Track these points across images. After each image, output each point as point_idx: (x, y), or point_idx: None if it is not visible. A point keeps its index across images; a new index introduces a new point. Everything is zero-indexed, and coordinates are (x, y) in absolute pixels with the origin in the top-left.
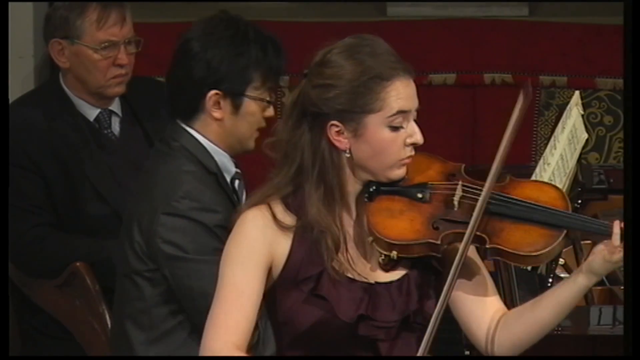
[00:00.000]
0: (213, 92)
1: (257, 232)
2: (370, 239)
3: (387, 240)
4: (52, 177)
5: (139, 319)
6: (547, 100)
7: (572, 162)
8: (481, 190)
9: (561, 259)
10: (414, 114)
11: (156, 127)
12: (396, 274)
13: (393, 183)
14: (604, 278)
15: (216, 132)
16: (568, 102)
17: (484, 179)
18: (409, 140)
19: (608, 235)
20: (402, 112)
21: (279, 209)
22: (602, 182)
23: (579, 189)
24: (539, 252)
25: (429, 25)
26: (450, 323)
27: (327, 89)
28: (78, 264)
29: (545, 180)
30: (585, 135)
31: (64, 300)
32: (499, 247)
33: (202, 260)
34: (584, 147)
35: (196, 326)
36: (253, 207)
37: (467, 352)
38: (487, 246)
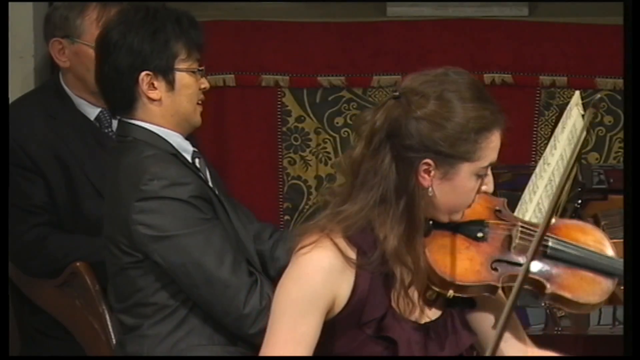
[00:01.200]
0: (144, 73)
1: (323, 277)
2: (435, 277)
3: (447, 279)
4: (52, 177)
5: (140, 310)
6: (547, 100)
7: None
8: (536, 231)
9: None
10: None
11: None
12: (434, 314)
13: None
14: None
15: (160, 116)
16: (568, 102)
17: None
18: (483, 188)
19: None
20: (492, 164)
21: (342, 243)
22: (602, 182)
23: (579, 189)
24: (597, 301)
25: (429, 25)
26: None
27: (434, 127)
28: (78, 264)
29: (545, 180)
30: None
31: (64, 300)
32: (557, 293)
33: (186, 234)
34: (584, 147)
35: (196, 301)
36: (318, 245)
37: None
38: (547, 292)
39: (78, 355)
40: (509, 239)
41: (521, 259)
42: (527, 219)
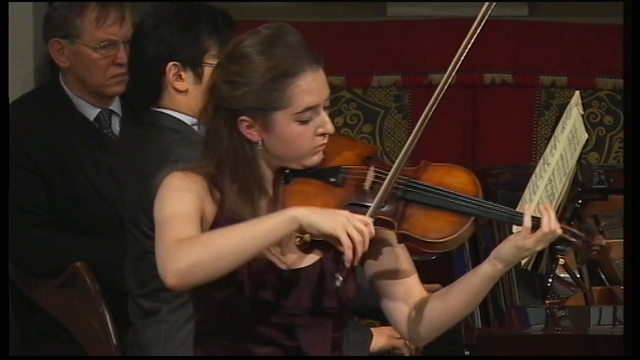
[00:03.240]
0: (171, 63)
1: (190, 181)
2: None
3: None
4: (52, 177)
5: (160, 295)
6: (547, 100)
7: (572, 162)
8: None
9: (561, 259)
10: (325, 103)
11: None
12: (311, 258)
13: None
14: (604, 278)
15: (186, 105)
16: (568, 102)
17: (483, 179)
18: (319, 130)
19: (518, 223)
20: (310, 109)
21: (210, 183)
22: (602, 182)
23: (579, 189)
24: (444, 239)
25: (429, 25)
26: None
27: (234, 86)
28: (78, 264)
29: (545, 180)
30: (586, 135)
31: (64, 300)
32: (406, 232)
33: None
34: (584, 147)
35: None
36: (181, 170)
37: (467, 352)
38: (395, 231)
39: (78, 355)
40: (363, 183)
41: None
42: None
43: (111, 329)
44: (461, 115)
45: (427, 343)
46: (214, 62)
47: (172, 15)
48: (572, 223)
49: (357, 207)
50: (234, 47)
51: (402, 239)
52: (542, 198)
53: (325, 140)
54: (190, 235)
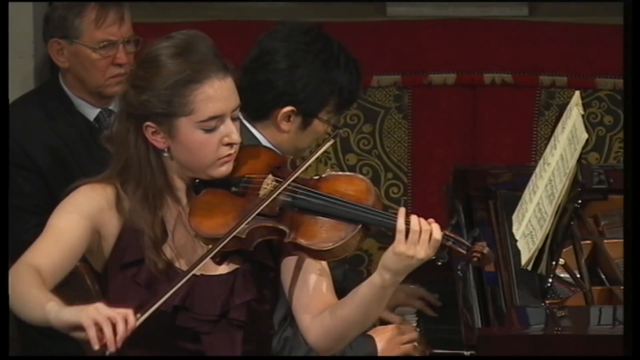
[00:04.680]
0: (289, 108)
1: (90, 197)
2: (194, 233)
3: (201, 234)
4: (52, 177)
5: None
6: (547, 100)
7: (572, 162)
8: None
9: (561, 259)
10: (233, 114)
11: None
12: (227, 268)
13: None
14: (604, 278)
15: (277, 139)
16: (568, 102)
17: (483, 179)
18: (225, 140)
19: (390, 227)
20: (214, 118)
21: (122, 193)
22: (602, 182)
23: (579, 189)
24: (331, 247)
25: (429, 25)
26: (450, 323)
27: (140, 91)
28: (78, 264)
29: (545, 180)
30: (585, 135)
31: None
32: (295, 241)
33: None
34: (584, 147)
35: None
36: (89, 183)
37: (467, 353)
38: (286, 240)
39: (78, 355)
40: (258, 192)
41: (270, 211)
42: (527, 219)
43: None
44: (461, 115)
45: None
46: (326, 117)
47: (314, 62)
48: (572, 223)
49: (255, 217)
50: (144, 53)
51: (292, 247)
52: (542, 198)
53: (232, 151)
54: (45, 258)
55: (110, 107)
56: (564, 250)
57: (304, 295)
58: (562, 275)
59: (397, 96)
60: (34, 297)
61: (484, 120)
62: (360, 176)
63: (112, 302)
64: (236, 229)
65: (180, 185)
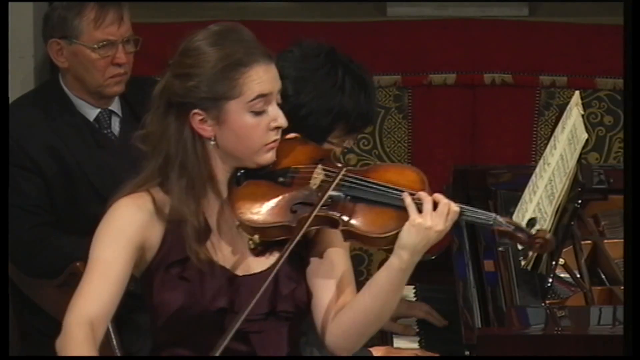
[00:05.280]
0: (292, 135)
1: (129, 215)
2: (237, 223)
3: (248, 223)
4: (52, 177)
5: None
6: (547, 100)
7: (572, 162)
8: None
9: (561, 259)
10: (276, 98)
11: None
12: (266, 263)
13: (262, 168)
14: (604, 278)
15: None
16: (568, 102)
17: (483, 179)
18: (272, 124)
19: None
20: (262, 96)
21: (160, 196)
22: (602, 182)
23: (579, 189)
24: (387, 234)
25: (429, 25)
26: (450, 323)
27: (187, 78)
28: (78, 264)
29: (545, 180)
30: (585, 135)
31: (64, 300)
32: (349, 229)
33: None
34: (584, 147)
35: None
36: (127, 195)
37: (467, 352)
38: (340, 229)
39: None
40: (309, 182)
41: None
42: (527, 218)
43: (111, 329)
44: (461, 115)
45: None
46: (336, 140)
47: (318, 87)
48: (572, 223)
49: (303, 206)
50: (185, 43)
51: (347, 236)
52: (542, 198)
53: (278, 137)
54: (96, 302)
55: (110, 107)
56: (564, 250)
57: (327, 294)
58: (562, 275)
59: (397, 96)
60: None
61: (484, 120)
62: (411, 166)
63: (157, 300)
64: (310, 218)
65: (222, 178)
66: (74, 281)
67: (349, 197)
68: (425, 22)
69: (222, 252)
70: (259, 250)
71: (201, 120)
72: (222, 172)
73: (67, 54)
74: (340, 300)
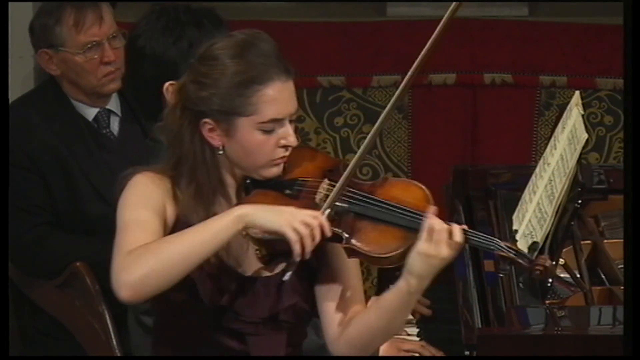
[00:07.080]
0: (167, 84)
1: (153, 186)
2: (244, 232)
3: (253, 235)
4: (52, 177)
5: None
6: (547, 100)
7: (572, 162)
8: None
9: (561, 259)
10: (291, 117)
11: None
12: (274, 269)
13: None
14: (604, 278)
15: None
16: (568, 102)
17: (483, 179)
18: (282, 142)
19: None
20: (274, 120)
21: (176, 187)
22: (602, 182)
23: (579, 189)
24: (389, 254)
25: (429, 25)
26: (451, 323)
27: (201, 87)
28: (78, 264)
29: (545, 180)
30: (585, 135)
31: (64, 300)
32: (352, 247)
33: None
34: (584, 147)
35: None
36: (146, 172)
37: (467, 352)
38: (343, 245)
39: (78, 355)
40: (314, 196)
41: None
42: (527, 219)
43: (111, 329)
44: (461, 115)
45: None
46: None
47: (161, 30)
48: (572, 223)
49: None
50: (206, 49)
51: (349, 253)
52: (542, 198)
53: (287, 153)
54: (146, 243)
55: (108, 107)
56: (564, 250)
57: (336, 306)
58: (562, 275)
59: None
60: (203, 227)
61: (484, 120)
62: (417, 183)
63: (162, 295)
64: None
65: (231, 183)
66: (74, 281)
67: (352, 214)
68: (425, 22)
69: (232, 254)
70: (265, 259)
71: (210, 129)
72: (230, 178)
73: (57, 62)
74: (349, 312)
